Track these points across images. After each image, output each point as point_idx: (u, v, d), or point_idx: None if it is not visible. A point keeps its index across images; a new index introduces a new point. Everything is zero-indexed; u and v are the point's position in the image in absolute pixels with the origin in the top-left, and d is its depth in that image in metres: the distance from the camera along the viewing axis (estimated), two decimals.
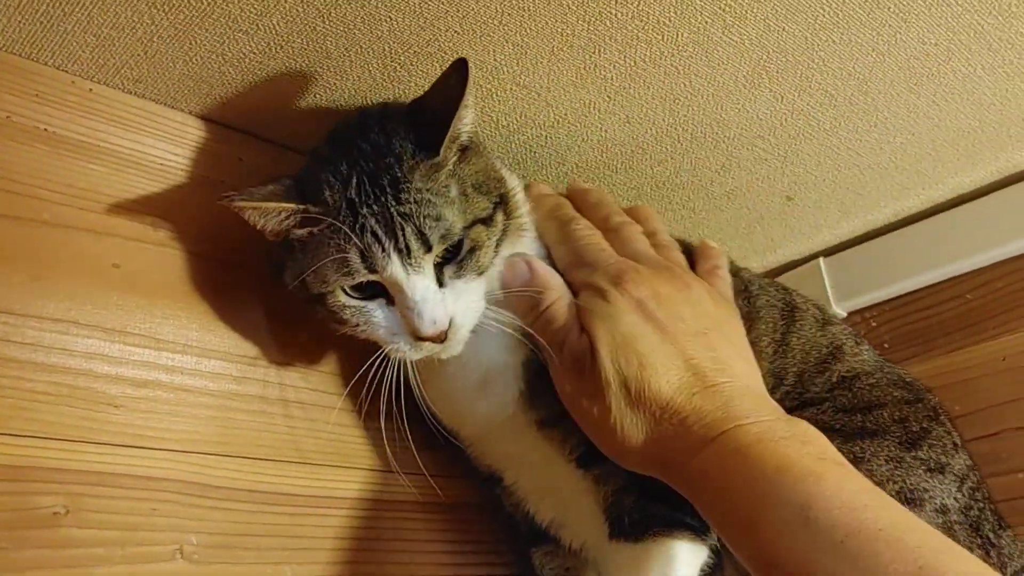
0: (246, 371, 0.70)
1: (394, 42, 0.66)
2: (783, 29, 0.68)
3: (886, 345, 0.99)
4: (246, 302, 0.72)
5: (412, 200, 0.62)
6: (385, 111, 0.69)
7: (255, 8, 0.62)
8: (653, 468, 0.63)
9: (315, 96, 0.72)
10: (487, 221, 0.66)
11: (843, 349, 0.82)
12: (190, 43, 0.65)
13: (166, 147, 0.71)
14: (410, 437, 0.76)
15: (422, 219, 0.62)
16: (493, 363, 0.70)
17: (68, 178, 0.66)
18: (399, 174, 0.63)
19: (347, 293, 0.65)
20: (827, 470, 0.54)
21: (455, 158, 0.66)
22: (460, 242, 0.64)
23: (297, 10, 0.62)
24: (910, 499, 0.71)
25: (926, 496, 0.71)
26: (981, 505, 0.76)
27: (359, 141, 0.65)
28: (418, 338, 0.64)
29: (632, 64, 0.71)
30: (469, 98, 0.64)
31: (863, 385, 0.79)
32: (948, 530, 0.71)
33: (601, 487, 0.70)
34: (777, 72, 0.73)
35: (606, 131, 0.80)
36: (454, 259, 0.64)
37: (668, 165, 0.85)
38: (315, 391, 0.74)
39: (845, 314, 1.03)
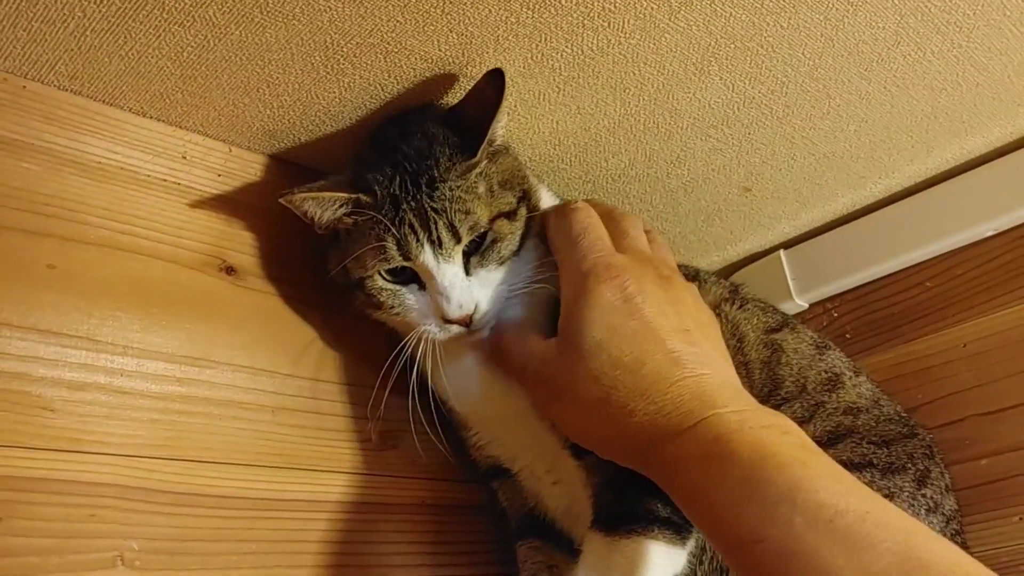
0: (190, 372, 0.68)
1: (335, 32, 0.65)
2: (730, 14, 0.68)
3: (848, 336, 0.99)
4: (190, 302, 0.70)
5: (445, 197, 0.69)
6: (426, 116, 0.74)
7: None
8: (631, 458, 0.63)
9: (259, 90, 0.70)
10: (510, 215, 0.72)
11: (842, 378, 0.85)
12: (124, 36, 0.63)
13: (105, 145, 0.70)
14: (374, 437, 0.76)
15: (453, 213, 0.69)
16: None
17: (1, 178, 0.64)
18: (436, 174, 0.69)
19: (384, 277, 0.71)
20: (810, 457, 0.54)
21: (487, 159, 0.72)
22: (485, 234, 0.70)
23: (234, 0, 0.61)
24: None
25: None
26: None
27: (403, 146, 0.71)
28: (446, 321, 0.70)
29: (579, 53, 0.70)
30: (504, 105, 0.69)
31: (870, 418, 0.82)
32: None
33: (590, 477, 0.71)
34: (727, 59, 0.73)
35: (558, 122, 0.79)
36: (479, 249, 0.71)
37: (622, 157, 0.85)
38: (265, 392, 0.72)
39: (807, 305, 1.02)
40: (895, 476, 0.78)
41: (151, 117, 0.72)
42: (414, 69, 0.70)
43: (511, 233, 0.72)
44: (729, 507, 0.53)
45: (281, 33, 0.64)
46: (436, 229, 0.68)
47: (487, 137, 0.70)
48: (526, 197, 0.74)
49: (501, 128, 0.72)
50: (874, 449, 0.79)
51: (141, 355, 0.66)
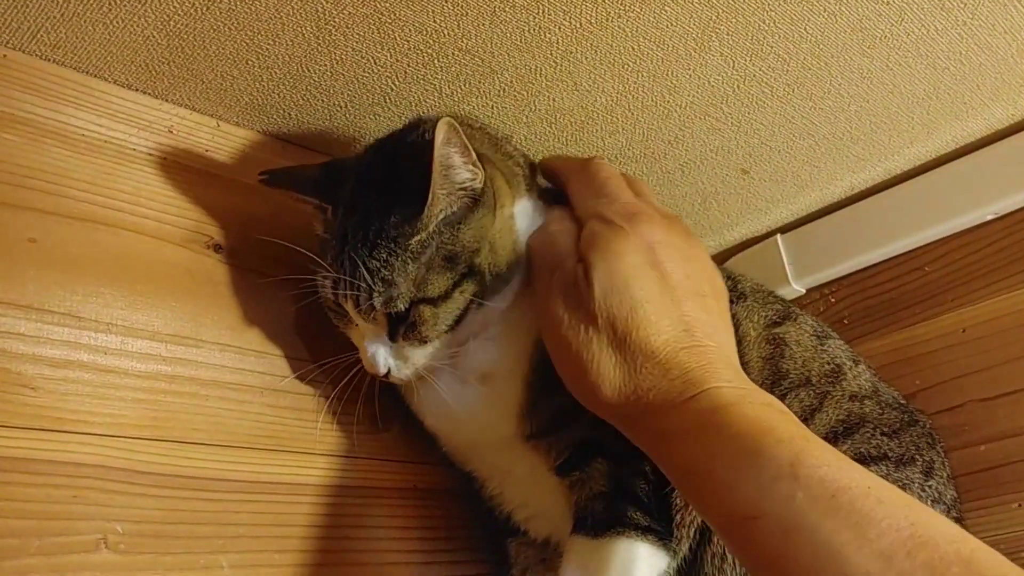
0: (176, 351, 0.66)
1: (327, 2, 0.63)
2: None
3: (846, 321, 0.98)
4: (176, 280, 0.68)
5: (378, 258, 0.63)
6: (423, 145, 0.66)
7: None
8: (621, 419, 0.62)
9: (248, 62, 0.68)
10: (436, 301, 0.65)
11: (843, 369, 0.83)
12: (109, 3, 0.61)
13: (89, 118, 0.68)
14: (366, 420, 0.74)
15: (376, 281, 0.63)
16: (493, 369, 0.69)
17: None
18: (385, 226, 0.64)
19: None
20: (809, 434, 0.53)
21: (446, 214, 0.65)
22: (408, 311, 0.65)
23: None
24: None
25: None
26: None
27: (387, 172, 0.66)
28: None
29: (577, 26, 0.68)
30: (455, 158, 0.64)
31: (874, 405, 0.81)
32: None
33: (575, 492, 0.70)
34: (727, 34, 0.71)
35: (554, 100, 0.77)
36: (403, 322, 0.65)
37: (620, 136, 0.83)
38: (253, 372, 0.70)
39: (804, 291, 1.01)
40: (906, 468, 0.77)
41: (137, 89, 0.70)
42: (408, 41, 0.68)
43: (434, 317, 0.65)
44: (726, 481, 0.52)
45: (271, 2, 0.63)
46: (358, 291, 0.64)
47: (430, 195, 0.62)
48: (473, 272, 0.66)
49: (462, 180, 0.65)
50: (887, 441, 0.78)
51: (125, 333, 0.64)
